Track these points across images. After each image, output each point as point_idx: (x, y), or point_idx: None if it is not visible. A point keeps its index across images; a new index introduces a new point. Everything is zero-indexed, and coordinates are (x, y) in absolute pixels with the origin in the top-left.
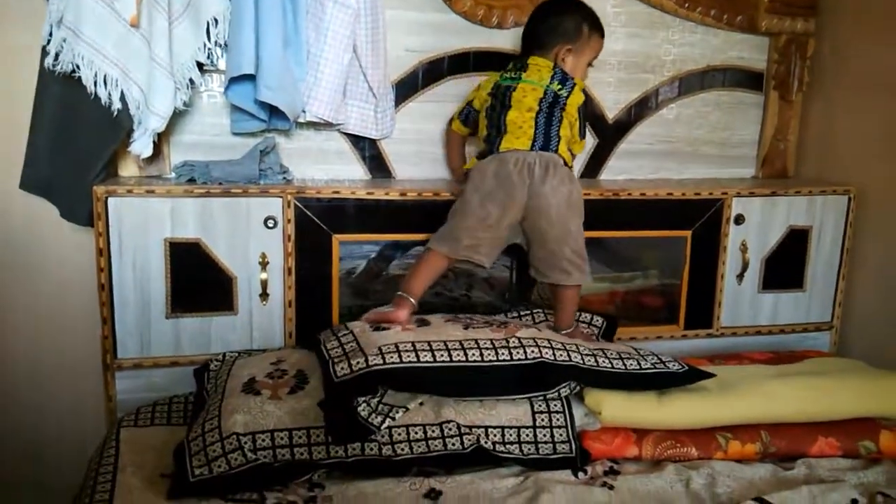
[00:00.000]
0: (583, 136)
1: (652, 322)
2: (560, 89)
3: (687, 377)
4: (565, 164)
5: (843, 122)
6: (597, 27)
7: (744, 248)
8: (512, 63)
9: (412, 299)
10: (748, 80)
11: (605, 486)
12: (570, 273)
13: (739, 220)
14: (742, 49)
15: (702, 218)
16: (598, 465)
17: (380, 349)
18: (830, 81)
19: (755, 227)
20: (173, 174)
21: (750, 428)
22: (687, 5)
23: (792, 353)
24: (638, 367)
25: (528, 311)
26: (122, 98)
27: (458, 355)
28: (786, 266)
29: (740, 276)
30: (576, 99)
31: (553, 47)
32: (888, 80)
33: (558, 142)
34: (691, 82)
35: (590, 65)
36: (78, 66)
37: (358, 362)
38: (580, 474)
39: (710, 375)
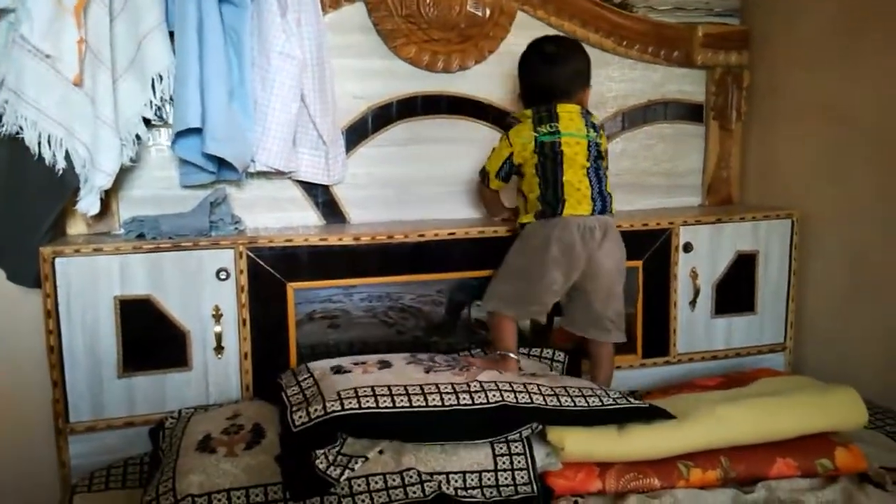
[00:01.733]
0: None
1: None
2: (597, 137)
3: (649, 412)
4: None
5: (782, 149)
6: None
7: (694, 275)
8: (537, 112)
9: (513, 354)
10: (689, 112)
11: None
12: (609, 331)
13: (688, 247)
14: (681, 83)
15: (652, 247)
16: (563, 502)
17: (339, 394)
18: (767, 110)
19: (704, 254)
20: (122, 230)
21: (710, 454)
22: (625, 43)
23: (742, 374)
24: (600, 403)
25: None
26: (67, 157)
27: (419, 400)
28: (736, 290)
29: (693, 303)
30: (605, 141)
31: (577, 93)
32: (821, 107)
33: (611, 201)
34: (634, 117)
35: None
36: (21, 128)
37: (316, 409)
38: None
39: (671, 416)
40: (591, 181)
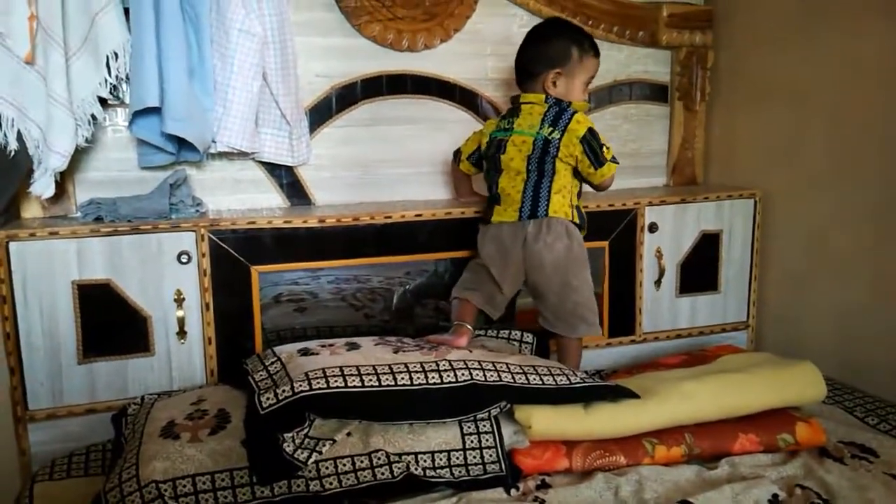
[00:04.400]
0: (600, 164)
1: None
2: (551, 132)
3: (615, 391)
4: (565, 218)
5: (745, 129)
6: (588, 47)
7: (659, 255)
8: (511, 104)
9: (468, 325)
10: (654, 92)
11: (536, 501)
12: (575, 326)
13: (653, 227)
14: (646, 63)
15: (617, 228)
16: (530, 481)
17: (307, 375)
18: (730, 90)
19: (669, 234)
20: (79, 213)
21: (674, 431)
22: (590, 23)
23: (704, 352)
24: (567, 382)
25: None
26: (20, 138)
27: (388, 380)
28: (700, 270)
29: (658, 283)
30: (572, 135)
31: (540, 75)
32: (783, 87)
33: (548, 204)
34: (600, 97)
35: (587, 83)
36: None
37: (284, 390)
38: (512, 491)
39: (635, 396)
40: (525, 190)
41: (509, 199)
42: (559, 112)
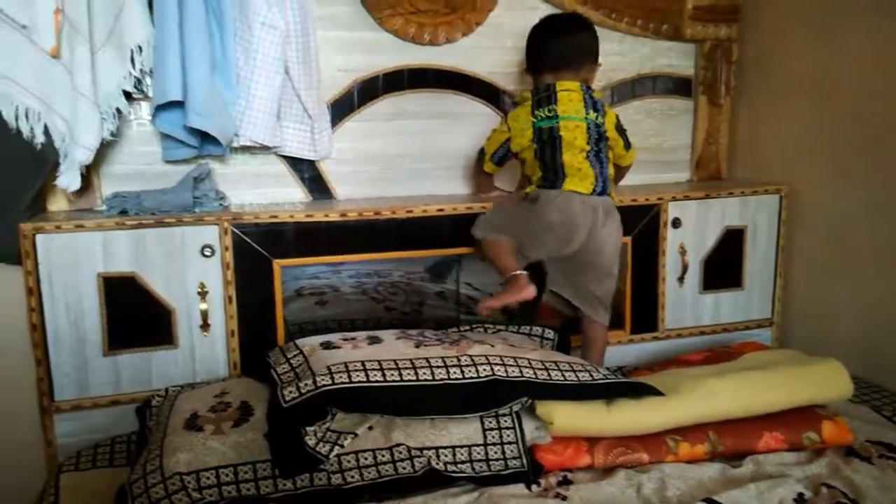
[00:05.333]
0: (628, 146)
1: None
2: (596, 117)
3: (637, 388)
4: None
5: (771, 123)
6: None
7: (682, 251)
8: (536, 94)
9: (518, 271)
10: (677, 86)
11: (557, 497)
12: (596, 309)
13: (676, 223)
14: (670, 56)
15: (640, 223)
16: (552, 477)
17: (329, 369)
18: (756, 84)
19: (692, 230)
20: (104, 206)
21: (698, 429)
22: (614, 16)
23: (727, 349)
24: (590, 378)
25: (480, 325)
26: (46, 131)
27: (409, 374)
28: (724, 266)
29: (681, 279)
30: (611, 118)
31: (583, 66)
32: (809, 81)
33: (610, 182)
34: (623, 91)
35: None
36: None
37: (306, 384)
38: (533, 487)
39: (659, 393)
40: (591, 163)
41: (580, 173)
42: (594, 100)
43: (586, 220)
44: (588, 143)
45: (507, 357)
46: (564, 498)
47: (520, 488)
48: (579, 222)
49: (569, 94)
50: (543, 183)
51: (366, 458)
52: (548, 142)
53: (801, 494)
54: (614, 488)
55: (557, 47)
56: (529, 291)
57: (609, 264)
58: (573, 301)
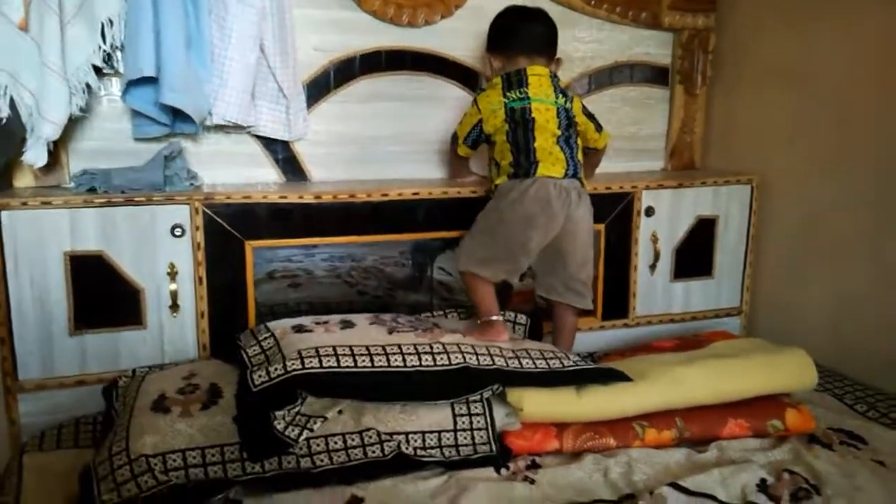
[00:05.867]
0: (599, 128)
1: None
2: (565, 102)
3: (607, 374)
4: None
5: (745, 114)
6: None
7: (655, 239)
8: (507, 78)
9: (496, 317)
10: (655, 75)
11: (526, 481)
12: (583, 296)
13: (650, 211)
14: (648, 45)
15: (614, 211)
16: (520, 461)
17: (299, 353)
18: (731, 75)
19: (665, 219)
20: (73, 183)
21: (665, 415)
22: (593, 3)
23: (697, 337)
24: (560, 365)
25: (454, 310)
26: (12, 105)
27: (381, 361)
28: (695, 255)
29: (653, 267)
30: (577, 104)
31: (552, 56)
32: (785, 72)
33: (580, 166)
34: (600, 78)
35: None
36: None
37: (276, 368)
38: (502, 471)
39: (628, 379)
40: (562, 148)
41: (552, 157)
42: (561, 87)
43: (561, 204)
44: (559, 129)
45: (478, 346)
46: (533, 482)
47: (489, 472)
48: (555, 208)
49: (539, 78)
50: (515, 170)
51: (335, 442)
52: (520, 123)
53: (763, 480)
54: (582, 472)
55: (532, 33)
56: (504, 337)
57: (585, 248)
58: (562, 299)
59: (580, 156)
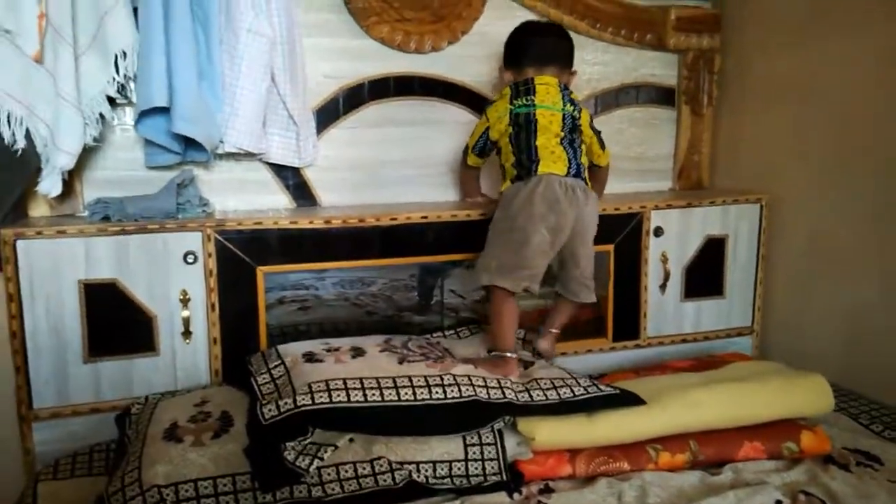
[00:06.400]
0: (603, 146)
1: (581, 336)
2: (573, 110)
3: (620, 399)
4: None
5: (752, 133)
6: None
7: (664, 259)
8: (515, 87)
9: (511, 355)
10: (661, 96)
11: None
12: (591, 290)
13: (659, 231)
14: (654, 66)
15: (623, 232)
16: (533, 485)
17: (309, 387)
18: (737, 94)
19: (674, 238)
20: (87, 212)
21: (679, 438)
22: (598, 26)
23: (713, 358)
24: (571, 394)
25: (465, 327)
26: (28, 136)
27: (391, 394)
28: (705, 274)
29: (663, 287)
30: (585, 117)
31: (565, 68)
32: (790, 91)
33: (584, 168)
34: (607, 100)
35: None
36: None
37: (286, 402)
38: (515, 496)
39: (641, 402)
40: (565, 148)
41: (553, 155)
42: (571, 98)
43: (569, 202)
44: (562, 130)
45: (489, 378)
46: None
47: (501, 496)
48: (564, 206)
49: (546, 87)
50: (518, 171)
51: (346, 471)
52: (523, 126)
53: (779, 502)
54: (595, 496)
55: (542, 44)
56: (514, 375)
57: (590, 243)
58: (576, 298)
59: (584, 160)
